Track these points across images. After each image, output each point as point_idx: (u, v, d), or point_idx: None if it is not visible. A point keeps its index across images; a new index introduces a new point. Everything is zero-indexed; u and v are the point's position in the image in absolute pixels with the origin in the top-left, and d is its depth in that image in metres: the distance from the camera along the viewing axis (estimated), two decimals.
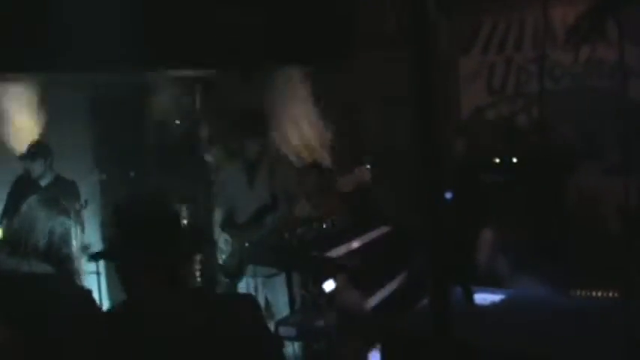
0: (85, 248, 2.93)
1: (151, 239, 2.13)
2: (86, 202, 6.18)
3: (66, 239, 2.80)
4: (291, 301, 4.44)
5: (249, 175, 5.85)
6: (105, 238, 6.76)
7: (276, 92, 7.27)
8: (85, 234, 3.04)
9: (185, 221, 6.67)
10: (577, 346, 2.18)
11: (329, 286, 3.09)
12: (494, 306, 2.62)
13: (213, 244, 5.98)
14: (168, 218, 2.20)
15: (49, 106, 7.15)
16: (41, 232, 2.73)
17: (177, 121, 8.07)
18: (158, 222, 2.16)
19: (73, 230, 2.84)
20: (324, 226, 4.72)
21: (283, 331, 3.85)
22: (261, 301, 5.57)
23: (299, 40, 7.03)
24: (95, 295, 4.01)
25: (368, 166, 5.07)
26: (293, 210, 5.70)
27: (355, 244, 4.48)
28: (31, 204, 2.81)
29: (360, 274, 4.58)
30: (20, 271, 2.67)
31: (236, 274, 5.76)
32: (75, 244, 2.85)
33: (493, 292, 2.74)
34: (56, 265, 2.75)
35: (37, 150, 6.33)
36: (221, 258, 5.87)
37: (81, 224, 2.92)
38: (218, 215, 6.03)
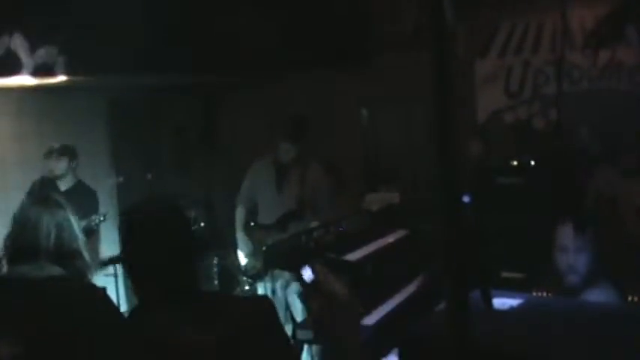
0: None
1: (159, 245, 2.13)
2: (105, 215, 6.19)
3: (72, 233, 2.79)
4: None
5: (279, 179, 5.83)
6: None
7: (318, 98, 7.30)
8: (104, 240, 3.04)
9: (198, 224, 6.68)
10: (596, 351, 2.16)
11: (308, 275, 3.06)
12: (512, 310, 2.60)
13: (231, 244, 5.97)
14: (177, 223, 2.19)
15: (67, 109, 7.20)
16: (47, 232, 2.71)
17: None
18: (166, 227, 2.16)
19: (75, 223, 2.83)
20: (341, 229, 4.70)
21: (301, 334, 3.85)
22: (282, 304, 5.59)
23: (319, 43, 7.04)
24: (112, 298, 4.01)
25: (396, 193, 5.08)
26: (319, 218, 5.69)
27: (372, 247, 4.46)
28: (24, 206, 2.79)
29: (376, 277, 4.57)
30: (32, 276, 2.66)
31: (257, 275, 5.76)
32: (80, 236, 2.84)
33: (512, 297, 2.72)
34: (67, 262, 2.74)
35: (63, 149, 6.33)
36: (242, 259, 5.88)
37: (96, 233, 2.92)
38: (240, 213, 6.01)
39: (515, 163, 6.29)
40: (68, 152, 6.33)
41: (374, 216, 4.93)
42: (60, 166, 6.26)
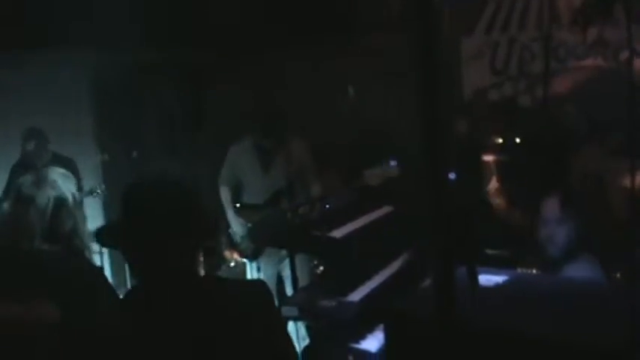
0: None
1: (165, 225, 2.06)
2: (101, 188, 6.25)
3: (68, 213, 2.78)
4: (294, 281, 4.45)
5: (264, 161, 5.78)
6: (111, 221, 6.80)
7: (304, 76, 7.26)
8: (89, 216, 3.02)
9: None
10: (580, 327, 2.18)
11: None
12: (498, 287, 2.61)
13: (224, 226, 5.94)
14: (183, 203, 2.11)
15: (49, 86, 7.15)
16: (38, 212, 2.70)
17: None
18: (178, 206, 2.08)
19: (71, 203, 2.82)
20: (327, 206, 4.70)
21: (285, 311, 3.85)
22: (271, 281, 5.60)
23: (300, 23, 7.01)
24: None
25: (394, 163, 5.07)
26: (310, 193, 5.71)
27: (358, 224, 4.46)
28: (22, 186, 2.78)
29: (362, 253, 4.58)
30: (29, 251, 2.66)
31: (254, 255, 5.76)
32: (78, 216, 2.84)
33: (497, 273, 2.73)
34: (64, 242, 2.74)
35: (30, 133, 6.43)
36: (236, 240, 5.86)
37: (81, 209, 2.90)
38: (225, 192, 5.99)
39: (500, 140, 6.30)
40: (34, 135, 6.42)
41: (368, 191, 4.93)
42: (31, 150, 6.37)
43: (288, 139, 5.77)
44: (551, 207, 3.81)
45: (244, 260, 6.02)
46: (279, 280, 5.78)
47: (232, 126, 6.18)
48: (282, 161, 5.71)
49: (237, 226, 5.85)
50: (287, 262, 5.59)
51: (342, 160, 6.87)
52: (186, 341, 1.98)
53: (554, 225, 3.74)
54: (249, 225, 5.77)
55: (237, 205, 5.93)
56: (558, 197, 3.83)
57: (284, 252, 5.53)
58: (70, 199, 2.81)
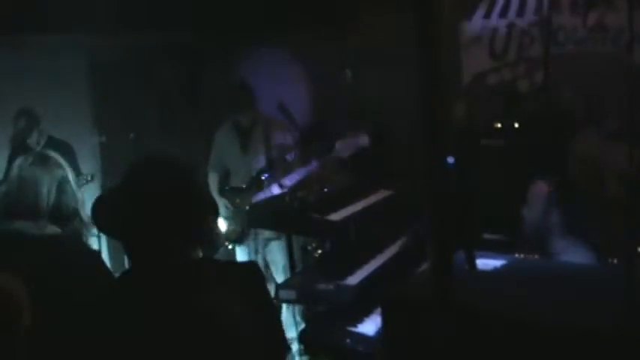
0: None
1: (170, 207, 2.04)
2: (92, 176, 6.25)
3: (71, 194, 2.79)
4: (292, 265, 4.46)
5: (242, 141, 5.84)
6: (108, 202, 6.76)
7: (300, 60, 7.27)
8: (88, 200, 3.01)
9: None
10: (577, 311, 2.18)
11: None
12: (496, 271, 2.62)
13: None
14: (188, 183, 2.11)
15: (47, 69, 7.13)
16: (47, 192, 2.70)
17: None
18: (171, 191, 2.06)
19: (74, 184, 2.82)
20: (325, 190, 4.71)
21: (283, 294, 3.87)
22: (260, 263, 5.61)
23: (299, 5, 6.98)
24: None
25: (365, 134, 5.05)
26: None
27: (356, 207, 4.47)
28: (22, 165, 2.77)
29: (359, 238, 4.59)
30: (29, 233, 2.65)
31: (239, 239, 5.77)
32: (79, 196, 2.84)
33: (495, 258, 2.74)
34: (65, 222, 2.74)
35: (19, 113, 6.41)
36: (222, 223, 5.88)
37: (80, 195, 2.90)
38: (212, 178, 6.03)
39: (499, 125, 6.29)
40: (26, 117, 6.40)
41: (346, 163, 4.93)
42: (25, 133, 6.35)
43: (267, 120, 5.81)
44: (537, 193, 3.82)
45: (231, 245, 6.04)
46: (265, 265, 5.80)
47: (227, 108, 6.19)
48: (260, 141, 5.75)
49: (221, 211, 5.86)
50: (272, 245, 5.64)
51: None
52: (180, 321, 1.98)
53: (541, 211, 3.75)
54: (240, 209, 5.79)
55: (226, 188, 5.98)
56: (549, 182, 3.84)
57: (268, 235, 5.57)
58: (71, 179, 2.82)
